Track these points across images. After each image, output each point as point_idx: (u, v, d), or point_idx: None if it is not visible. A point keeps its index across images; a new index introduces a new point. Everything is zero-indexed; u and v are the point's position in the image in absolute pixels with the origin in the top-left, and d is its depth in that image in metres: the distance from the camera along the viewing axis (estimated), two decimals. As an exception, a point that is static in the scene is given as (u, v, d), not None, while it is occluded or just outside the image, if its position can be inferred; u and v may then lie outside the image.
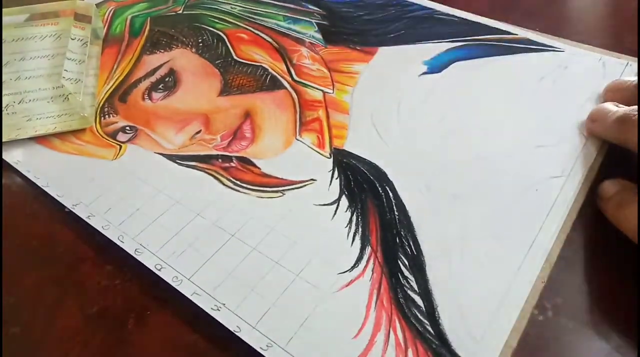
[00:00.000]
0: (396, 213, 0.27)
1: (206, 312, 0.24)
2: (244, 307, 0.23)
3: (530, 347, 0.22)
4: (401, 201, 0.27)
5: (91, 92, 0.36)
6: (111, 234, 0.27)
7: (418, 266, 0.25)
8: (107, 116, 0.35)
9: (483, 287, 0.23)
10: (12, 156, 0.32)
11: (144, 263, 0.26)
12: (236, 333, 0.22)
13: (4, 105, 0.35)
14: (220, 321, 0.23)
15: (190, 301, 0.24)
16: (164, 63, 0.38)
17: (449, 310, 0.23)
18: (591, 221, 0.26)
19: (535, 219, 0.26)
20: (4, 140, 0.33)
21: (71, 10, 0.41)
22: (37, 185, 0.30)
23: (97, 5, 0.44)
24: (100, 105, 0.35)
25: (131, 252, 0.26)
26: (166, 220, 0.28)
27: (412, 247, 0.25)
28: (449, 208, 0.27)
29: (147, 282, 0.25)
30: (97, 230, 0.28)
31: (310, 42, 0.39)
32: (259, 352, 0.22)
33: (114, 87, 0.37)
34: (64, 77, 0.35)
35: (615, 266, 0.24)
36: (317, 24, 0.41)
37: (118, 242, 0.27)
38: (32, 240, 0.28)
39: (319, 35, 0.39)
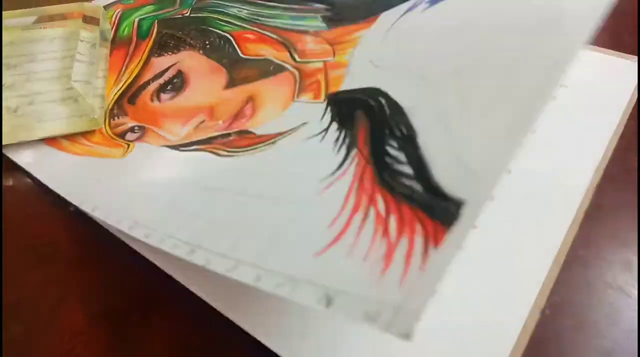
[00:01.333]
0: (388, 112, 0.25)
1: (211, 311, 0.23)
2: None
3: (535, 346, 0.22)
4: (395, 102, 0.26)
5: (100, 94, 0.36)
6: (122, 226, 0.26)
7: (409, 140, 0.23)
8: (116, 118, 0.35)
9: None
10: (22, 158, 0.33)
11: (158, 247, 0.24)
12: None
13: (13, 107, 0.35)
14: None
15: (194, 300, 0.24)
16: (172, 65, 0.38)
17: (444, 158, 0.20)
18: (598, 222, 0.26)
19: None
20: (13, 142, 0.33)
21: (79, 12, 0.41)
22: (42, 184, 0.31)
23: (105, 7, 0.45)
24: (110, 107, 0.36)
25: (140, 237, 0.25)
26: (175, 201, 0.26)
27: (404, 130, 0.23)
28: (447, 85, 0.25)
29: (150, 281, 0.26)
30: (101, 229, 0.27)
31: (315, 31, 0.39)
32: (263, 350, 0.22)
33: (122, 89, 0.37)
34: (73, 79, 0.35)
35: (620, 266, 0.25)
36: (322, 17, 0.40)
37: (128, 232, 0.25)
38: (36, 239, 0.29)
39: (323, 24, 0.39)
